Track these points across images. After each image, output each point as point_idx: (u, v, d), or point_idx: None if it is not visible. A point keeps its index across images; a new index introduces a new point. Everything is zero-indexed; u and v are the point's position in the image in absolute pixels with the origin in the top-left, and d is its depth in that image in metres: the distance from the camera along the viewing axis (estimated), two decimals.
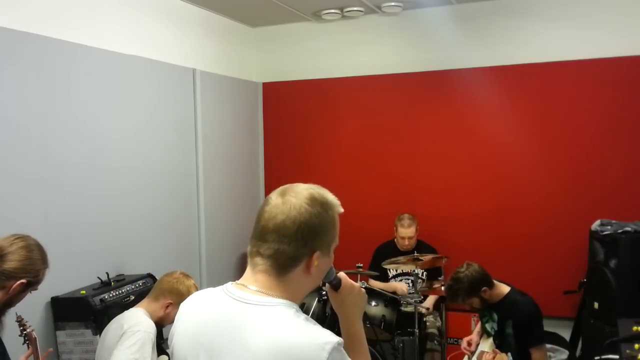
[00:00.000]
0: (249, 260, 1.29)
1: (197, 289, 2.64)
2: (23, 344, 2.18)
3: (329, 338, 1.16)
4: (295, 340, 1.15)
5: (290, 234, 1.22)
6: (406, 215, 4.26)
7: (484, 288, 2.97)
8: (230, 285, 1.30)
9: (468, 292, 2.97)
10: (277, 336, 1.16)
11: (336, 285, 1.42)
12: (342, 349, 1.18)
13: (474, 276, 2.97)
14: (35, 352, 2.18)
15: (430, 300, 4.14)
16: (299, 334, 1.16)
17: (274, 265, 1.24)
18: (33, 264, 2.05)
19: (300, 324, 1.18)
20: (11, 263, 2.00)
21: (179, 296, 2.54)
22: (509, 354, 3.00)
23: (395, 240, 4.34)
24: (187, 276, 2.68)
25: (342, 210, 1.32)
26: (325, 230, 1.27)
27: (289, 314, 1.20)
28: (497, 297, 3.05)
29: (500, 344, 3.07)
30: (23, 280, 2.01)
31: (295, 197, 1.25)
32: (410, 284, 4.18)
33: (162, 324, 2.61)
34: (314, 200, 1.26)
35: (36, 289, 2.14)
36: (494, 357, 3.01)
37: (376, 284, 4.15)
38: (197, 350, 1.26)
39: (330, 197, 1.31)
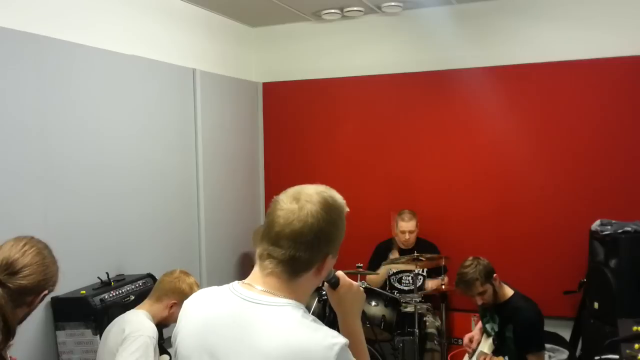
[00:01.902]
0: (258, 261, 1.29)
1: (198, 286, 2.65)
2: None
3: (337, 339, 1.17)
4: (303, 342, 1.16)
5: (307, 241, 1.22)
6: (407, 210, 4.27)
7: (495, 275, 2.99)
8: (236, 284, 1.30)
9: (485, 276, 2.96)
10: (286, 337, 1.16)
11: (334, 283, 1.43)
12: (348, 348, 1.19)
13: (485, 262, 3.01)
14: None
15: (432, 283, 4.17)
16: (307, 336, 1.17)
17: (286, 270, 1.24)
18: (49, 271, 1.81)
19: (309, 325, 1.19)
20: (29, 278, 1.74)
21: (182, 295, 2.55)
22: (506, 357, 3.00)
23: (396, 237, 4.33)
24: (187, 274, 2.68)
25: (348, 209, 1.33)
26: (339, 235, 1.29)
27: (297, 315, 1.20)
28: (501, 298, 3.05)
29: (500, 345, 3.07)
30: (46, 292, 1.80)
31: (311, 203, 1.24)
32: (411, 281, 4.19)
33: (166, 324, 2.61)
34: (329, 206, 1.26)
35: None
36: None
37: (373, 280, 4.15)
38: (202, 349, 1.25)
39: (340, 198, 1.32)
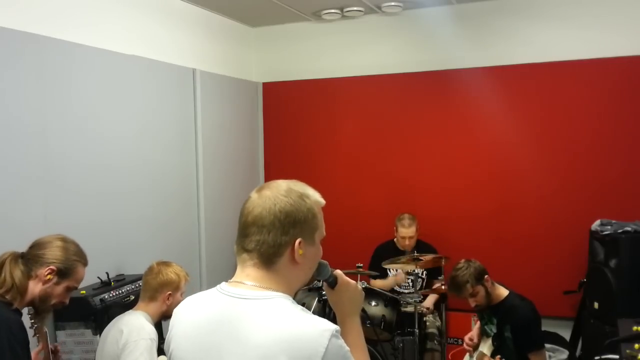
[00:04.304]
0: (237, 259, 1.31)
1: (181, 269, 2.68)
2: (33, 336, 2.19)
3: (327, 325, 1.18)
4: (296, 330, 1.16)
5: (267, 223, 1.25)
6: (406, 215, 4.26)
7: (486, 276, 2.99)
8: (224, 284, 1.31)
9: (476, 278, 2.96)
10: (278, 328, 1.17)
11: (332, 282, 1.44)
12: (340, 335, 1.20)
13: (476, 264, 3.01)
14: (45, 346, 2.21)
15: (430, 300, 4.14)
16: (299, 324, 1.18)
17: (259, 257, 1.26)
18: (65, 254, 2.12)
19: (298, 313, 1.20)
20: (44, 250, 2.10)
21: (172, 284, 2.58)
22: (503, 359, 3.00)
23: (396, 240, 4.34)
24: (166, 263, 2.67)
25: (322, 201, 1.34)
26: (304, 217, 1.28)
27: (286, 305, 1.22)
28: (496, 299, 3.05)
29: (499, 346, 3.07)
30: (52, 267, 2.07)
31: (271, 190, 1.29)
32: (410, 284, 4.18)
33: (168, 316, 2.60)
34: (290, 191, 1.29)
35: (75, 287, 2.20)
36: None
37: (377, 283, 4.16)
38: (199, 352, 1.25)
39: (309, 189, 1.33)
